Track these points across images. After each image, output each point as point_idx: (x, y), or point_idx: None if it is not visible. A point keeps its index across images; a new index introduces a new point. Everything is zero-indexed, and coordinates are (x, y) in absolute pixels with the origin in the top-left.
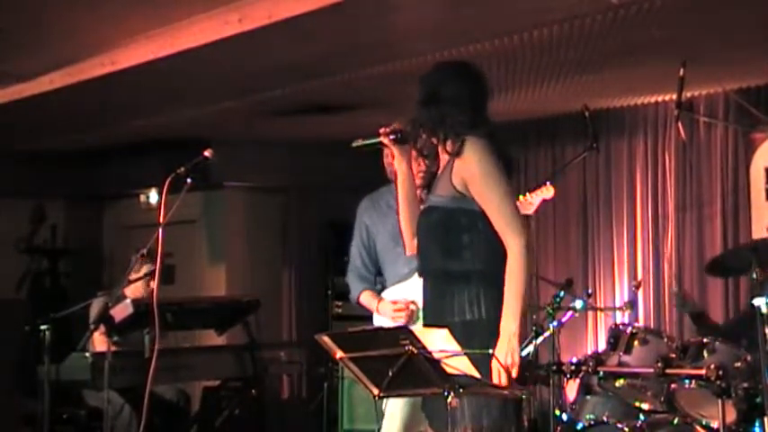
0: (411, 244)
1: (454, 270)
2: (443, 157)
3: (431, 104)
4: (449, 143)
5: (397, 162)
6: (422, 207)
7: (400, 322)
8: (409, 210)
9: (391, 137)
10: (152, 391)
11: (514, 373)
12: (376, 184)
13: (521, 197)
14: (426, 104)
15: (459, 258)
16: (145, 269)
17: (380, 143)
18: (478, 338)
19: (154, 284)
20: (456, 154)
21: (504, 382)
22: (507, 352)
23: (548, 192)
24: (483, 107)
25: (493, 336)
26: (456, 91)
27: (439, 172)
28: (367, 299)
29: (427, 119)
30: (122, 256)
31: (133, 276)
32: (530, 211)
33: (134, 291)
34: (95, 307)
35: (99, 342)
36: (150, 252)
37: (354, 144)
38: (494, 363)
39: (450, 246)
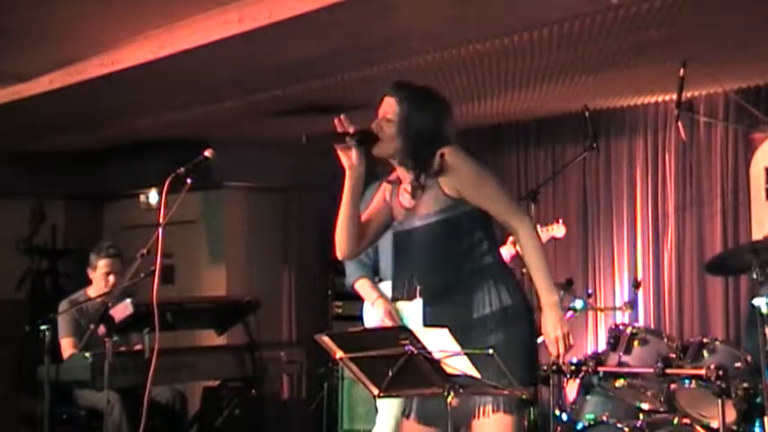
0: (345, 247)
1: (474, 269)
2: (418, 178)
3: (413, 129)
4: (431, 164)
5: (354, 165)
6: (407, 227)
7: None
8: (352, 214)
9: (357, 138)
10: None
11: (571, 341)
12: None
13: None
14: (414, 132)
15: (473, 258)
16: (105, 267)
17: (343, 140)
18: (520, 321)
19: (112, 279)
20: (440, 170)
21: (562, 351)
22: (557, 322)
23: (559, 230)
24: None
25: (530, 315)
26: (431, 119)
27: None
28: (365, 288)
29: (415, 144)
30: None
31: (91, 274)
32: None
33: (96, 289)
34: (63, 320)
35: (66, 349)
36: (109, 248)
37: (308, 139)
38: (552, 335)
39: (463, 250)
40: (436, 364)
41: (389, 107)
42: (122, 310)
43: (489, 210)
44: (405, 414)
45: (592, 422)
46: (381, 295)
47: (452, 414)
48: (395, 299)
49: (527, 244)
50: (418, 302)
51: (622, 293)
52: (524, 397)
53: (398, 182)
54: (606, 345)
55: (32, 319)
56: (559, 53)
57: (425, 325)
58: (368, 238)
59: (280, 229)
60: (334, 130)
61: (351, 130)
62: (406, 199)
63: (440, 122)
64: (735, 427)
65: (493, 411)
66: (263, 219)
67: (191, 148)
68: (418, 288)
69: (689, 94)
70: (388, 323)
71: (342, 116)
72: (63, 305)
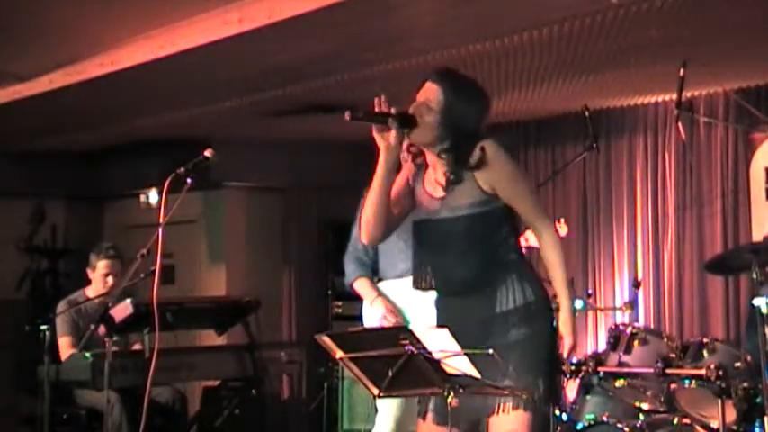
0: (372, 231)
1: (500, 264)
2: (455, 171)
3: (455, 121)
4: (468, 157)
5: (392, 147)
6: (433, 217)
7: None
8: (382, 196)
9: (399, 120)
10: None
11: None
12: None
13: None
14: (453, 119)
15: (499, 253)
16: (104, 268)
17: (385, 120)
18: (543, 316)
19: (111, 281)
20: (479, 164)
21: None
22: (572, 330)
23: (561, 229)
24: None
25: (552, 311)
26: (475, 112)
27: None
28: (364, 288)
29: (456, 136)
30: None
31: (90, 274)
32: (537, 244)
33: (95, 290)
34: (61, 321)
35: (64, 348)
36: (109, 249)
37: (351, 116)
38: (567, 340)
39: (491, 245)
40: (436, 363)
41: (431, 94)
42: (122, 310)
43: (518, 208)
44: (420, 415)
45: (592, 422)
46: (380, 294)
47: (471, 411)
48: (416, 288)
49: (551, 248)
50: (426, 297)
51: (622, 293)
52: (524, 397)
53: (425, 166)
54: (606, 345)
55: (32, 319)
56: (559, 53)
57: (439, 323)
58: (392, 222)
59: (280, 229)
60: (372, 109)
61: (392, 110)
62: (434, 188)
63: (481, 116)
64: (735, 427)
65: (513, 408)
66: (263, 219)
67: (191, 148)
68: (439, 279)
69: (689, 94)
70: (392, 320)
71: (382, 96)
72: (61, 306)
